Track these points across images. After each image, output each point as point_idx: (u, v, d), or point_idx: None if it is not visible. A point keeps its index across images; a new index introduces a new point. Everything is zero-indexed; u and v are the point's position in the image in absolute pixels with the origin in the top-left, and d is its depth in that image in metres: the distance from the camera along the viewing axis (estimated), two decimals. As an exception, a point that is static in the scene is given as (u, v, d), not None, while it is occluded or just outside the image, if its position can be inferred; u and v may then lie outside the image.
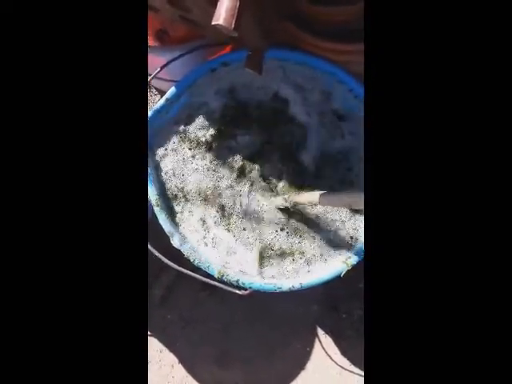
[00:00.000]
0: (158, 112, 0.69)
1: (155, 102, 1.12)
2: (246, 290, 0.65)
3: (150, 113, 0.69)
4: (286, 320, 1.00)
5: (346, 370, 0.99)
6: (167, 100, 0.69)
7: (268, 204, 0.69)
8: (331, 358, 1.00)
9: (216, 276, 0.65)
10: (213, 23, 0.43)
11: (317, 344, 1.00)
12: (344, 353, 1.00)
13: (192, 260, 0.65)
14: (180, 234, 0.66)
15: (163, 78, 0.84)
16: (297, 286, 0.64)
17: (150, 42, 0.77)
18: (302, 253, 0.68)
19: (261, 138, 0.72)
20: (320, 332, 1.01)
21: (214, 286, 0.99)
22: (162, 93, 1.12)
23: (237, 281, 0.64)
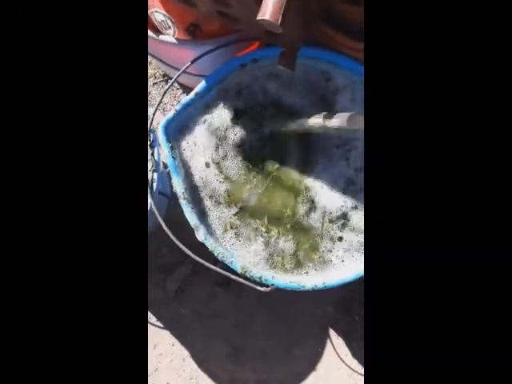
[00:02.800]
0: (186, 106, 0.69)
1: (177, 96, 1.12)
2: (268, 286, 0.64)
3: (178, 106, 0.69)
4: (301, 320, 1.00)
5: (355, 372, 0.99)
6: (197, 94, 0.69)
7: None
8: (342, 360, 1.00)
9: (239, 272, 0.65)
10: (258, 18, 0.43)
11: (328, 345, 1.00)
12: (355, 354, 1.00)
13: (216, 254, 0.65)
14: (205, 227, 0.66)
15: (190, 72, 0.84)
16: (320, 285, 0.64)
17: (181, 35, 0.77)
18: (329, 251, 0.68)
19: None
20: (332, 333, 1.01)
21: (229, 282, 1.00)
22: (183, 87, 1.12)
23: (260, 277, 0.64)
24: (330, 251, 0.69)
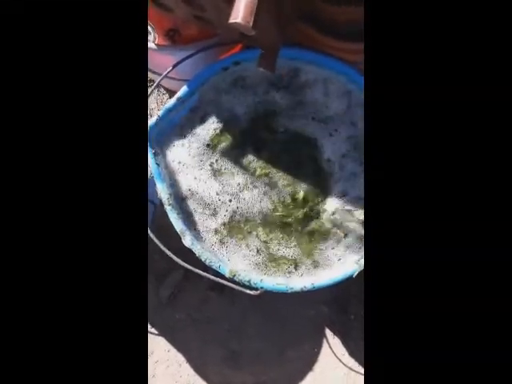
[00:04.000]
0: (169, 111, 0.69)
1: (164, 101, 1.12)
2: (257, 290, 0.64)
3: (161, 112, 0.69)
4: (295, 321, 1.00)
5: (353, 370, 0.99)
6: (179, 99, 0.69)
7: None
8: (339, 359, 0.99)
9: (227, 275, 0.65)
10: (230, 21, 0.43)
11: (325, 345, 1.00)
12: (352, 354, 1.00)
13: (204, 259, 0.64)
14: (192, 233, 0.66)
15: (173, 77, 0.84)
16: (309, 286, 0.63)
17: (161, 41, 0.76)
18: (315, 254, 0.68)
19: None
20: (328, 333, 1.00)
21: (223, 286, 0.99)
22: (170, 92, 1.12)
23: (248, 281, 0.64)
24: (333, 248, 0.68)
